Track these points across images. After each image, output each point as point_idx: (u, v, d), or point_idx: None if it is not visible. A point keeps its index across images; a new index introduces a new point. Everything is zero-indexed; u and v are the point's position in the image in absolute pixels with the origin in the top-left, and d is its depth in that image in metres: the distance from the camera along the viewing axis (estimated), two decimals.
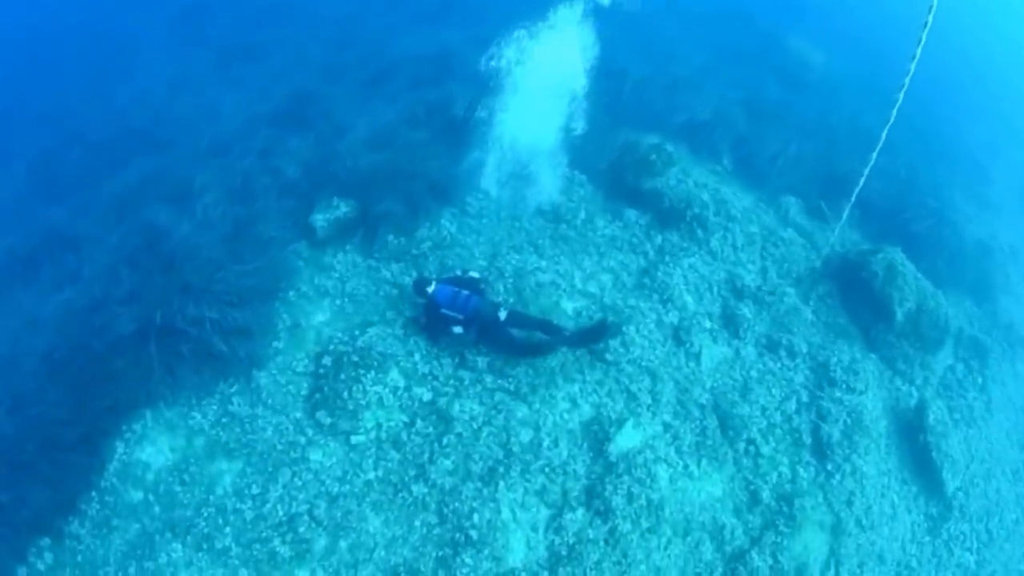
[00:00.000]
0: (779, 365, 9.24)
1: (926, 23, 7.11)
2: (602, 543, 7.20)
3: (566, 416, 7.54)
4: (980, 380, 11.42)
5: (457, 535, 6.71)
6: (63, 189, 10.36)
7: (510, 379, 7.43)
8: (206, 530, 6.36)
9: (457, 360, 7.41)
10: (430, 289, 7.30)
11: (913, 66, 7.55)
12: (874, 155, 8.37)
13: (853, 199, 8.79)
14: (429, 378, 7.26)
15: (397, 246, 8.13)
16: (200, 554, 6.26)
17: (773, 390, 9.01)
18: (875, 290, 10.05)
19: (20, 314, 8.82)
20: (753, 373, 9.00)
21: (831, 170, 11.46)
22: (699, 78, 11.43)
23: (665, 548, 7.57)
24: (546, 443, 7.28)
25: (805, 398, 9.19)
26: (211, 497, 6.55)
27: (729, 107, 10.98)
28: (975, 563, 10.23)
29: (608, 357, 7.96)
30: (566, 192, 9.22)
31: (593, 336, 7.66)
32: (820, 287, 10.22)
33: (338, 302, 7.74)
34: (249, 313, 7.45)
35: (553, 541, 7.08)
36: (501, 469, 7.02)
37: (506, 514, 6.93)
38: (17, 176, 11.29)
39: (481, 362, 7.45)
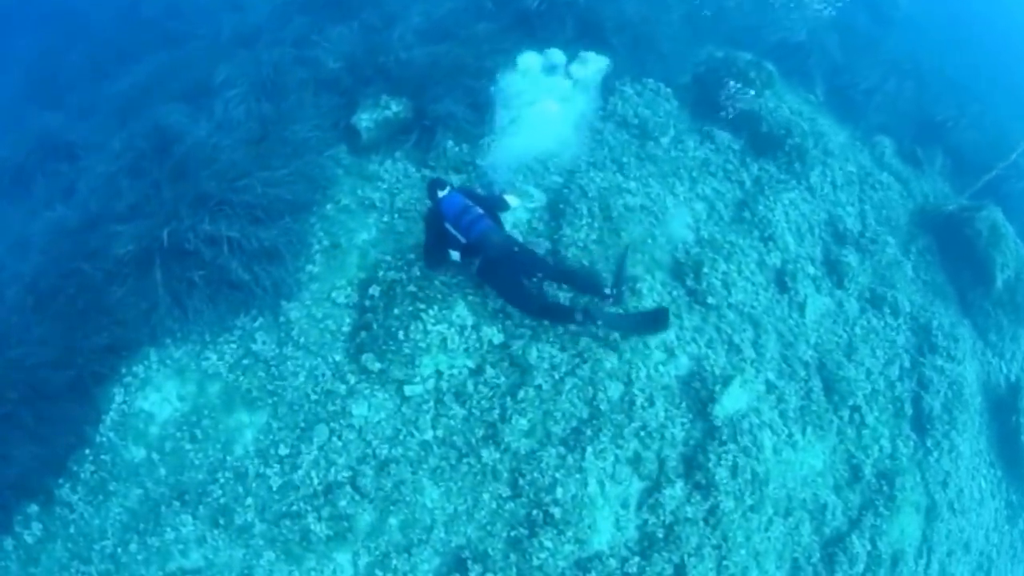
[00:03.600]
0: (883, 323, 7.36)
1: None
2: (701, 523, 5.38)
3: (661, 369, 5.62)
4: None
5: (535, 512, 4.90)
6: (63, 92, 8.18)
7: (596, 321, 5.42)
8: (223, 500, 4.54)
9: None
10: (442, 194, 5.17)
11: None
12: None
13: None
14: (501, 316, 5.31)
15: (458, 154, 6.06)
16: (216, 531, 4.46)
17: (877, 351, 7.18)
18: (977, 251, 8.30)
19: (7, 236, 6.82)
20: (857, 330, 7.11)
21: (926, 115, 9.45)
22: None
23: (766, 529, 5.87)
24: (639, 401, 5.39)
25: (907, 363, 7.33)
26: (228, 458, 4.72)
27: (823, 31, 8.81)
28: None
29: (709, 300, 5.96)
30: (651, 106, 7.10)
31: (642, 324, 5.42)
32: (919, 240, 8.23)
33: (386, 219, 5.72)
34: (277, 231, 5.46)
35: (647, 521, 5.24)
36: (588, 431, 5.14)
37: (593, 487, 5.06)
38: (14, 81, 9.07)
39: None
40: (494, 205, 5.34)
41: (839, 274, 7.15)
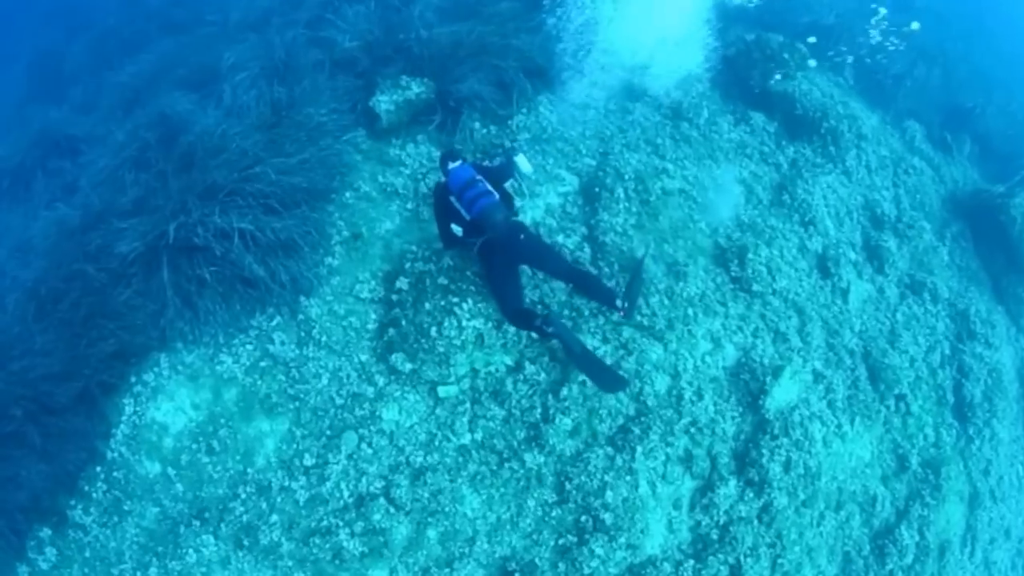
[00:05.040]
0: (923, 310, 6.82)
1: None
2: (756, 522, 4.85)
3: (708, 360, 5.08)
4: None
5: (583, 518, 4.36)
6: (66, 86, 7.55)
7: (641, 310, 4.86)
8: (245, 517, 3.98)
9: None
10: (453, 165, 4.52)
11: None
12: None
13: None
14: (540, 308, 4.70)
15: (485, 137, 5.48)
16: (240, 552, 3.94)
17: (919, 338, 6.64)
18: (1012, 237, 7.76)
19: (7, 239, 6.27)
20: (899, 317, 6.58)
21: (954, 101, 8.96)
22: None
23: (818, 524, 5.41)
24: (688, 394, 4.84)
25: (947, 350, 6.82)
26: (250, 471, 4.17)
27: (851, 15, 8.24)
28: None
29: (755, 287, 5.39)
30: (683, 86, 6.51)
31: (594, 368, 4.45)
32: (953, 226, 7.69)
33: (410, 206, 5.13)
34: (293, 221, 4.87)
35: (700, 522, 4.69)
36: (636, 430, 4.56)
37: (644, 488, 4.50)
38: (16, 77, 8.42)
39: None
40: (504, 173, 4.65)
41: (880, 259, 6.61)
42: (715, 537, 4.70)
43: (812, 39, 7.40)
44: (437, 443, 4.29)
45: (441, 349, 4.30)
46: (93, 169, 6.10)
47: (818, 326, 5.78)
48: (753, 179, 6.20)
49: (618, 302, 4.32)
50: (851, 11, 8.28)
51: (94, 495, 4.15)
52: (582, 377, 4.51)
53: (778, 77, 6.76)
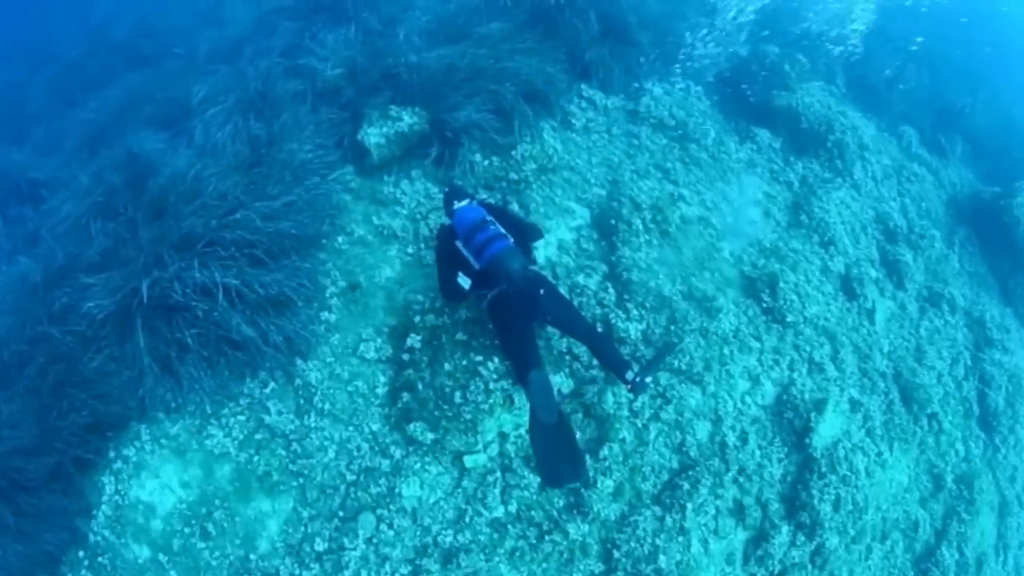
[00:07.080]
0: (943, 322, 6.53)
1: None
2: (809, 566, 4.41)
3: (748, 400, 4.61)
4: None
5: None
6: (28, 126, 6.78)
7: (677, 353, 4.35)
8: None
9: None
10: (459, 205, 3.89)
11: None
12: None
13: None
14: (567, 358, 4.17)
15: (487, 169, 4.91)
16: None
17: (943, 352, 6.36)
18: (1017, 238, 7.53)
19: None
20: (922, 332, 6.28)
21: (942, 102, 8.71)
22: None
23: (866, 558, 5.13)
24: (731, 440, 4.36)
25: (969, 360, 6.58)
26: (253, 557, 3.53)
27: (839, 21, 7.99)
28: None
29: (788, 318, 4.95)
30: (684, 105, 6.07)
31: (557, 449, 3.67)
32: (959, 231, 7.43)
33: (411, 250, 4.53)
34: (283, 273, 4.25)
35: (754, 574, 4.21)
36: (685, 484, 4.03)
37: (696, 547, 3.97)
38: None
39: (633, 330, 4.34)
40: (525, 231, 3.98)
41: (899, 274, 6.28)
42: None
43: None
44: (468, 519, 3.70)
45: (468, 416, 3.71)
46: (56, 217, 5.39)
47: (850, 351, 5.38)
48: (768, 200, 5.80)
49: (628, 375, 3.65)
50: (838, 17, 8.02)
51: None
52: (622, 434, 3.97)
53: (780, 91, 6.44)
